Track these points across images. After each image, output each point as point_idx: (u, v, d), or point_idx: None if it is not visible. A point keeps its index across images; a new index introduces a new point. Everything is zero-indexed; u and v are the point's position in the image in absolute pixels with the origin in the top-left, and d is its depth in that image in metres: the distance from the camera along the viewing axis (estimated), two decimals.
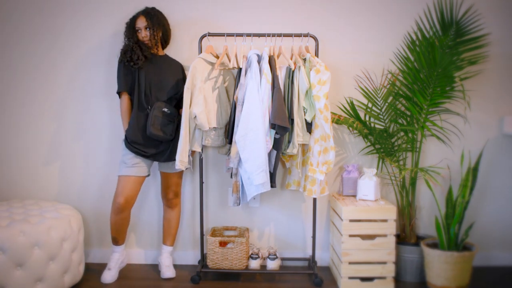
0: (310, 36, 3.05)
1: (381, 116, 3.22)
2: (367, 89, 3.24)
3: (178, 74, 3.12)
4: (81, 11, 3.29)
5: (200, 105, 2.91)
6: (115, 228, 3.07)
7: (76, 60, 3.30)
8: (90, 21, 3.29)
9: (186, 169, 3.08)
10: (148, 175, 3.06)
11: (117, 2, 3.27)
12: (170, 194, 3.15)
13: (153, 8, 3.07)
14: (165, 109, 2.97)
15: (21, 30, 3.29)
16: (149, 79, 3.01)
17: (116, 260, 3.14)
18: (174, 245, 3.39)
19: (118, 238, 3.13)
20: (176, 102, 3.10)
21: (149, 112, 2.96)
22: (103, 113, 3.32)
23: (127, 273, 3.22)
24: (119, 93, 3.04)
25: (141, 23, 3.00)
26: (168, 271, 3.15)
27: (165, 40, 3.14)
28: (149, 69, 3.02)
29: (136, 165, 2.97)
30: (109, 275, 3.07)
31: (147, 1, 3.24)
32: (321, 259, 3.39)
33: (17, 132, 3.35)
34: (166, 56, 3.15)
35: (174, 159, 3.01)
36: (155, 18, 3.03)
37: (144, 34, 3.01)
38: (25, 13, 3.27)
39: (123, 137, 3.04)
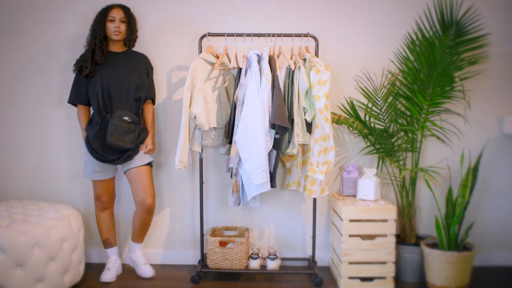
0: (310, 36, 3.04)
1: (381, 116, 3.22)
2: (367, 89, 3.24)
3: (142, 67, 3.03)
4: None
5: (200, 105, 2.90)
6: (105, 227, 3.14)
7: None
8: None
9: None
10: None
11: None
12: (149, 198, 2.99)
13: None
14: (126, 118, 2.89)
15: None
16: (106, 84, 2.91)
17: (114, 261, 3.15)
18: (174, 245, 3.40)
19: (110, 239, 3.15)
20: (144, 99, 3.03)
21: (109, 120, 2.88)
22: None
23: (127, 273, 3.22)
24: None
25: (118, 14, 2.93)
26: (147, 269, 3.15)
27: (133, 40, 3.03)
28: (105, 72, 2.92)
29: (100, 171, 3.00)
30: (109, 275, 3.08)
31: (148, 1, 3.24)
32: (321, 259, 3.39)
33: (17, 132, 3.35)
34: (127, 51, 3.04)
35: (132, 159, 2.97)
36: (132, 15, 3.00)
37: (118, 25, 2.91)
38: None
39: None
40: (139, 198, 2.99)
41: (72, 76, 3.07)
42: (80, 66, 2.93)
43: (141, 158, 3.00)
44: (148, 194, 2.99)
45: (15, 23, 3.28)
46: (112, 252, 3.17)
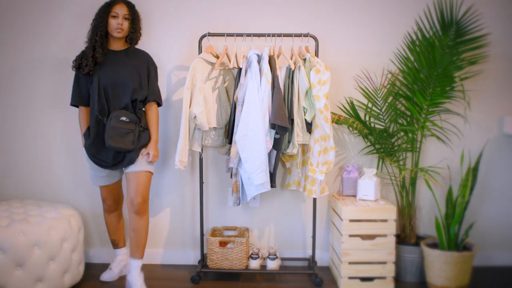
0: (310, 36, 3.04)
1: (381, 116, 3.22)
2: (367, 89, 3.24)
3: (143, 67, 2.86)
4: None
5: (200, 105, 2.90)
6: (111, 229, 3.10)
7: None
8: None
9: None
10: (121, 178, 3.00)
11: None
12: (138, 198, 2.79)
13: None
14: (123, 118, 2.73)
15: None
16: (104, 85, 2.76)
17: (118, 262, 3.14)
18: (174, 245, 3.39)
19: (117, 240, 3.13)
20: (143, 100, 2.85)
21: (106, 123, 2.74)
22: None
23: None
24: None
25: (121, 10, 2.77)
26: None
27: (136, 39, 2.87)
28: (104, 72, 2.77)
29: (104, 176, 2.91)
30: (108, 274, 3.08)
31: (148, 2, 3.24)
32: (321, 259, 3.39)
33: (17, 132, 3.35)
34: (128, 49, 2.89)
35: (133, 163, 2.82)
36: (136, 12, 2.87)
37: (120, 22, 2.78)
38: None
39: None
40: (129, 197, 2.81)
41: (69, 75, 3.05)
42: (79, 63, 2.77)
43: (141, 164, 2.83)
44: (138, 194, 2.79)
45: (15, 23, 3.27)
46: (119, 252, 3.15)
